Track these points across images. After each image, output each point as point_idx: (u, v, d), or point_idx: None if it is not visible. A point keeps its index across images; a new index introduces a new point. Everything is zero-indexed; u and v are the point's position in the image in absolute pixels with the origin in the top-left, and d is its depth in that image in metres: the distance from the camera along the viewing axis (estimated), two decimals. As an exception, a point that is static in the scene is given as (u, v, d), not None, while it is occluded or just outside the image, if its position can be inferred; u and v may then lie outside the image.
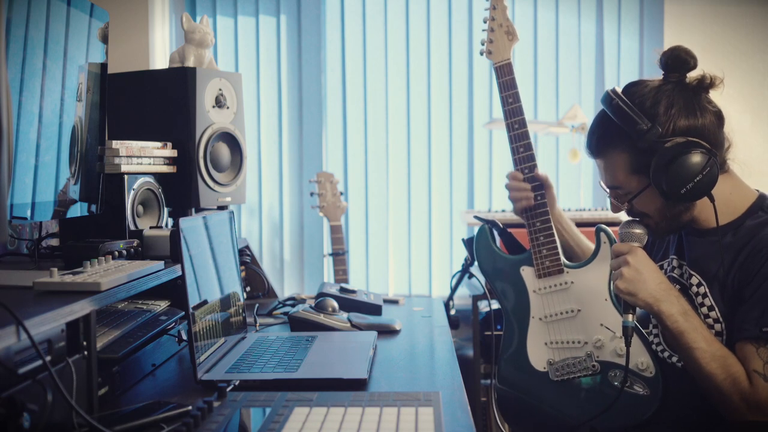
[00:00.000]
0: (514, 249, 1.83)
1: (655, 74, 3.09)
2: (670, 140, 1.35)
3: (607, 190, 1.52)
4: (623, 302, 1.44)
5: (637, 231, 1.45)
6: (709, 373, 1.34)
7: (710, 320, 1.41)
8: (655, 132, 1.36)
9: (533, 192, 1.73)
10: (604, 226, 1.68)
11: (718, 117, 1.41)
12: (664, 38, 3.22)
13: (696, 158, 1.34)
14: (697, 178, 1.34)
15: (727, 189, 1.42)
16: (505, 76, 1.79)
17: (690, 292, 1.46)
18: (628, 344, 1.43)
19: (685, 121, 1.37)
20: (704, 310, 1.43)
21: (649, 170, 1.38)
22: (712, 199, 1.37)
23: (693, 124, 1.37)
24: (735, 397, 1.32)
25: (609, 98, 1.41)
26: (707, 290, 1.43)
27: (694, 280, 1.45)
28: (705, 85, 1.41)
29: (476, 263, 2.24)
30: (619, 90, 1.43)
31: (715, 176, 1.35)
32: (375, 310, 2.02)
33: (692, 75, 1.42)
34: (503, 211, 3.02)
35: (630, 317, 1.43)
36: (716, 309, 1.41)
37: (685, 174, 1.34)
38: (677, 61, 1.41)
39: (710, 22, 3.18)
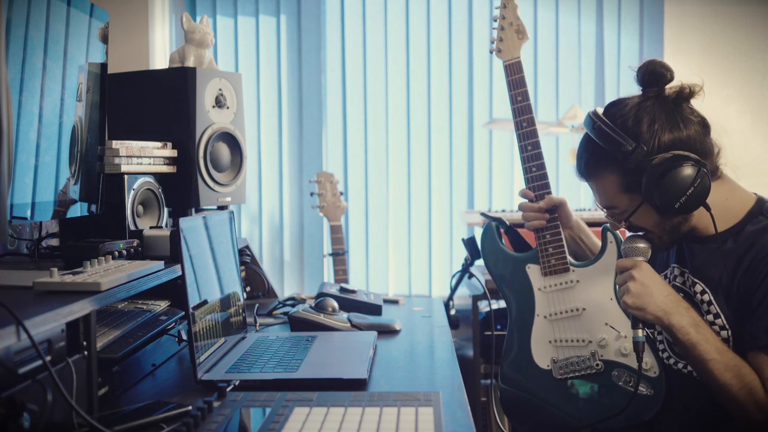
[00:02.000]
0: (520, 247, 1.83)
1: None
2: (656, 157, 1.35)
3: (604, 210, 1.51)
4: (632, 317, 1.43)
5: (641, 245, 1.45)
6: (723, 383, 1.33)
7: (716, 327, 1.40)
8: (641, 151, 1.36)
9: (547, 213, 1.72)
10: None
11: (703, 125, 1.40)
12: (664, 38, 3.22)
13: (685, 171, 1.33)
14: (689, 191, 1.33)
15: (722, 195, 1.41)
16: (514, 74, 1.79)
17: (695, 299, 1.45)
18: (639, 359, 1.43)
19: (669, 134, 1.36)
20: (710, 317, 1.42)
21: (641, 188, 1.37)
22: (708, 209, 1.37)
23: (677, 136, 1.36)
24: (751, 407, 1.32)
25: (591, 121, 1.41)
26: (712, 298, 1.42)
27: (698, 288, 1.45)
28: (684, 95, 1.40)
29: (476, 263, 2.24)
30: (601, 111, 1.43)
31: (707, 186, 1.34)
32: (375, 310, 2.02)
33: (670, 87, 1.41)
34: (503, 210, 3.02)
35: (640, 332, 1.42)
36: (722, 316, 1.40)
37: (676, 188, 1.34)
38: (654, 75, 1.41)
39: (710, 22, 3.18)
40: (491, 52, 1.83)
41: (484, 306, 2.74)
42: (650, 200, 1.37)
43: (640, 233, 1.48)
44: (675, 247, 1.53)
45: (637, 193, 1.40)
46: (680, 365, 1.50)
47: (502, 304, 2.88)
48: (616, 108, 1.43)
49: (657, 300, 1.38)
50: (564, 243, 1.71)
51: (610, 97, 3.28)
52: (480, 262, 2.68)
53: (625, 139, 1.37)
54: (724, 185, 1.44)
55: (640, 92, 1.44)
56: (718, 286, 1.41)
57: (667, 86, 1.42)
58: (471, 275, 2.19)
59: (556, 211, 1.73)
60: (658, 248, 1.49)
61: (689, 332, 1.36)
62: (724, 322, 1.40)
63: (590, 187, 1.51)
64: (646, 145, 1.36)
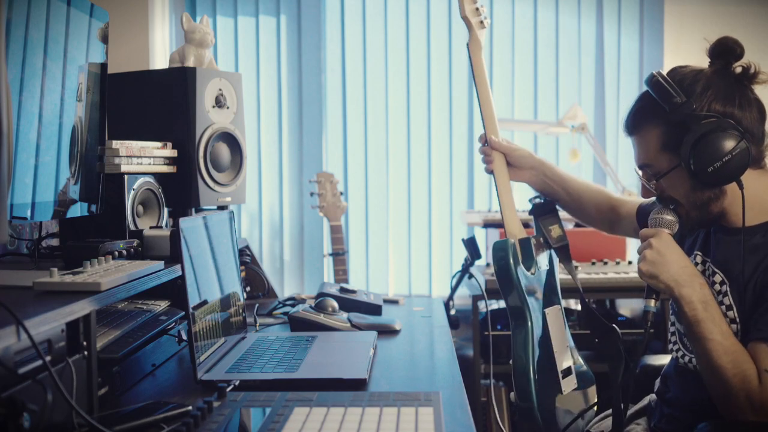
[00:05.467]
0: None
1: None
2: (705, 118, 1.34)
3: (639, 172, 1.50)
4: (646, 286, 1.44)
5: (668, 217, 1.44)
6: (719, 366, 1.32)
7: (727, 319, 1.39)
8: (689, 106, 1.35)
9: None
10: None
11: (759, 111, 1.39)
12: (664, 38, 3.22)
13: (727, 138, 1.33)
14: (726, 158, 1.33)
15: (762, 187, 1.40)
16: None
17: (712, 289, 1.44)
18: (646, 329, 1.43)
19: (720, 106, 1.36)
20: (722, 308, 1.41)
21: (680, 147, 1.37)
22: (741, 186, 1.35)
23: (729, 111, 1.36)
24: (741, 395, 1.31)
25: (651, 76, 1.41)
26: (728, 289, 1.41)
27: (717, 278, 1.44)
28: (749, 75, 1.40)
29: (476, 263, 2.24)
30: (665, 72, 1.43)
31: (745, 161, 1.34)
32: (375, 310, 2.02)
33: (738, 65, 1.41)
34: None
35: (652, 303, 1.43)
36: (734, 308, 1.39)
37: (713, 152, 1.33)
38: (722, 47, 1.41)
39: (710, 22, 3.18)
40: None
41: (484, 306, 2.74)
42: (686, 159, 1.36)
43: (670, 206, 1.47)
44: (702, 236, 1.52)
45: (675, 154, 1.39)
46: (691, 365, 1.48)
47: (502, 304, 2.89)
48: (678, 68, 1.43)
49: (671, 270, 1.38)
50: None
51: (610, 97, 3.29)
52: (480, 262, 2.69)
53: (678, 92, 1.37)
54: (767, 178, 1.43)
55: (708, 63, 1.44)
56: (738, 278, 1.39)
57: (735, 64, 1.41)
58: (471, 275, 2.20)
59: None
60: (686, 225, 1.47)
61: (697, 308, 1.35)
62: (735, 314, 1.39)
63: (633, 144, 1.50)
64: (696, 104, 1.36)
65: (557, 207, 1.84)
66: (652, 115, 1.42)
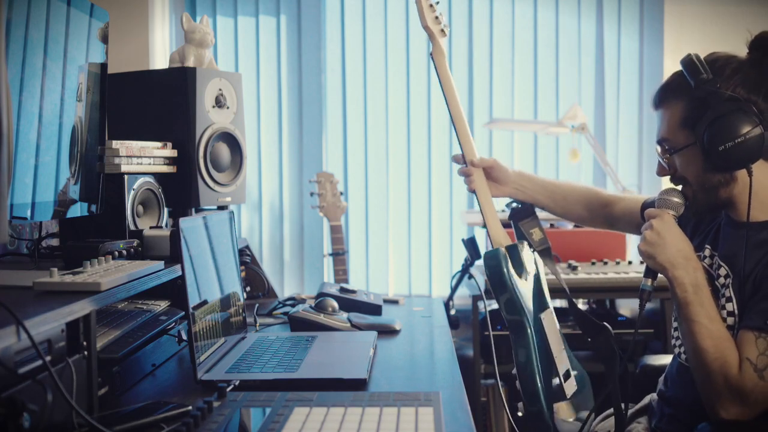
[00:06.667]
0: None
1: (655, 74, 3.07)
2: (727, 98, 1.35)
3: (658, 148, 1.51)
4: (645, 266, 1.46)
5: (674, 199, 1.46)
6: (701, 348, 1.34)
7: (725, 312, 1.40)
8: (714, 83, 1.37)
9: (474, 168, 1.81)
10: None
11: None
12: (664, 38, 3.22)
13: (744, 121, 1.34)
14: (738, 140, 1.34)
15: None
16: None
17: (716, 282, 1.45)
18: (642, 307, 1.44)
19: (745, 92, 1.37)
20: (722, 301, 1.42)
21: (698, 125, 1.38)
22: (750, 173, 1.36)
23: (753, 99, 1.36)
24: (719, 379, 1.32)
25: (687, 55, 1.43)
26: (731, 283, 1.42)
27: (722, 272, 1.45)
28: None
29: (476, 263, 2.24)
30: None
31: (758, 148, 1.34)
32: (375, 310, 2.02)
33: None
34: (502, 210, 3.02)
35: (649, 282, 1.44)
36: (734, 301, 1.40)
37: (728, 132, 1.34)
38: (762, 41, 1.41)
39: (710, 22, 3.18)
40: None
41: (483, 306, 2.74)
42: (700, 137, 1.37)
43: (678, 188, 1.48)
44: (713, 231, 1.53)
45: (693, 133, 1.40)
46: None
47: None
48: (715, 52, 1.44)
49: (667, 251, 1.40)
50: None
51: (610, 97, 3.29)
52: (480, 263, 2.70)
53: (706, 70, 1.38)
54: None
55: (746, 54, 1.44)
56: (740, 272, 1.40)
57: None
58: (471, 276, 2.19)
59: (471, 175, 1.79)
60: (691, 206, 1.48)
61: (687, 290, 1.37)
62: (735, 307, 1.40)
63: (657, 118, 1.51)
64: (722, 84, 1.37)
65: (535, 209, 1.84)
66: (678, 90, 1.44)
